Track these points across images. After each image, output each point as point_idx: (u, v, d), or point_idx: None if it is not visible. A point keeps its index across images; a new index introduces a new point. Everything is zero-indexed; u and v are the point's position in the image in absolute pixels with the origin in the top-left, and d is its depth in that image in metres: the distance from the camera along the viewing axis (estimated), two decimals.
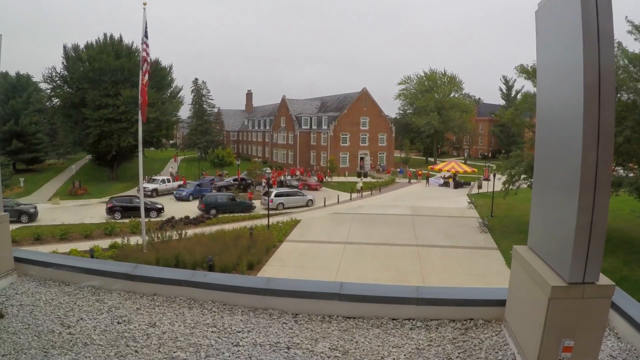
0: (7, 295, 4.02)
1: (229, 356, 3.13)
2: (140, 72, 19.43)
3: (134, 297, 4.08)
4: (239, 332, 3.48)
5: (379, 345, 3.29)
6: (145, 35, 19.16)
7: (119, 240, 22.51)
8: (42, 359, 3.04)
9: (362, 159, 61.36)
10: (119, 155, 49.96)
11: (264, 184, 36.07)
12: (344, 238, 24.35)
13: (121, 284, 4.22)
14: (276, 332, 3.48)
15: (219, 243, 21.62)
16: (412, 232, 25.83)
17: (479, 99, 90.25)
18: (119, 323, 3.58)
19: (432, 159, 73.36)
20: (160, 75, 51.96)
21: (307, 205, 35.12)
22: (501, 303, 3.49)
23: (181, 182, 45.04)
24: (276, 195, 33.96)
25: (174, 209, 32.87)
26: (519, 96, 68.62)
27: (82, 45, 49.28)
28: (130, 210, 30.09)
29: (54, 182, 49.46)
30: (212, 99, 75.77)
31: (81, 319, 3.64)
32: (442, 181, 48.24)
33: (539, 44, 2.96)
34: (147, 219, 27.66)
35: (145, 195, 29.53)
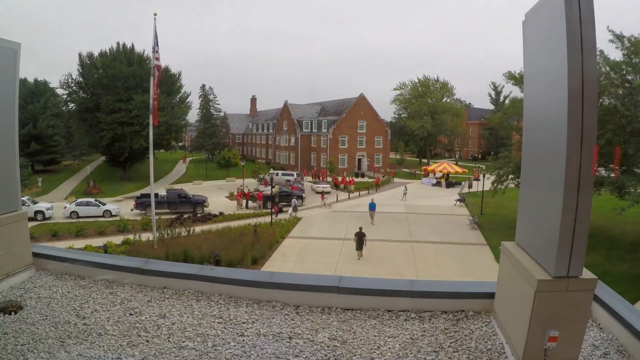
0: (25, 288, 4.02)
1: (235, 345, 3.13)
2: (152, 80, 19.40)
3: (145, 290, 4.08)
4: (244, 323, 3.48)
5: (375, 336, 3.29)
6: (156, 44, 19.08)
7: (131, 236, 22.52)
8: (59, 349, 3.04)
9: (359, 160, 61.36)
10: (131, 157, 49.97)
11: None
12: (343, 234, 24.33)
13: (133, 277, 4.22)
14: (279, 323, 3.48)
15: (225, 239, 21.63)
16: (406, 229, 25.83)
17: (470, 103, 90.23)
18: (131, 314, 3.58)
19: (425, 160, 73.33)
20: (170, 82, 51.98)
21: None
22: (490, 296, 3.49)
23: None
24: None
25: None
26: (507, 101, 68.61)
27: (96, 53, 49.40)
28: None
29: (70, 182, 49.48)
30: (219, 104, 75.92)
31: (95, 310, 3.64)
32: (435, 181, 48.27)
33: (526, 52, 2.96)
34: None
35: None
